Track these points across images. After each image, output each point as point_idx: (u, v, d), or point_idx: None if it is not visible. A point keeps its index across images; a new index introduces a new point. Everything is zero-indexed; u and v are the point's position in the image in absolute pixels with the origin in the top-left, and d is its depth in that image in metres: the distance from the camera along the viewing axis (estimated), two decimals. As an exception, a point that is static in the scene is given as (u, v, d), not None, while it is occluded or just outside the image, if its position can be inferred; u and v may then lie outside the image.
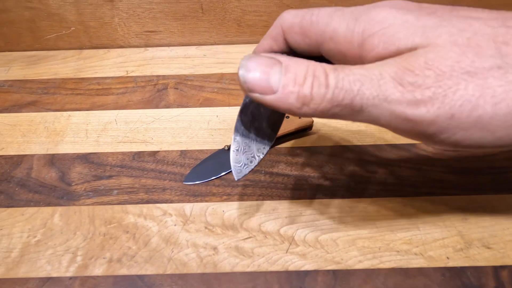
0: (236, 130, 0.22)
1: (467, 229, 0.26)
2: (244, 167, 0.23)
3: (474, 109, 0.15)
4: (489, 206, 0.27)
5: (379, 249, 0.25)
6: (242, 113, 0.22)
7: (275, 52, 0.21)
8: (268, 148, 0.23)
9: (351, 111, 0.16)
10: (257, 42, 0.43)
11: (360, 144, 0.31)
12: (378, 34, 0.17)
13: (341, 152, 0.31)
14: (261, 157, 0.23)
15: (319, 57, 0.20)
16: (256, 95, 0.17)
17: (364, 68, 0.16)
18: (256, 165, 0.23)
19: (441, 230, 0.26)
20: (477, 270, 0.24)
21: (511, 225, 0.26)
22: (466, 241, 0.25)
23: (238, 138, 0.23)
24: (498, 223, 0.26)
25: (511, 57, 0.15)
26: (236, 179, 0.23)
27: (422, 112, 0.16)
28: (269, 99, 0.17)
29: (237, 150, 0.23)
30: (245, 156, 0.23)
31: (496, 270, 0.24)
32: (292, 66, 0.17)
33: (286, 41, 0.20)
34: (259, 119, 0.23)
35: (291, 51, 0.21)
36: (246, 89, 0.17)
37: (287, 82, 0.17)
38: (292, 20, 0.19)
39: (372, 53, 0.17)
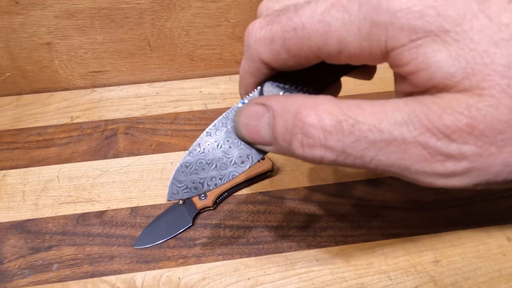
0: (201, 139, 0.17)
1: (439, 273, 0.24)
2: (183, 191, 0.17)
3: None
4: (459, 244, 0.26)
5: (350, 307, 0.23)
6: (218, 125, 0.17)
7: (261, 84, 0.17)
8: (222, 183, 0.17)
9: (363, 168, 0.14)
10: (212, 75, 0.41)
11: (323, 183, 0.30)
12: (407, 49, 0.12)
13: (305, 194, 0.29)
14: (210, 189, 0.17)
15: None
16: (259, 147, 0.16)
17: (379, 125, 0.12)
18: (198, 195, 0.18)
19: (413, 277, 0.24)
20: (453, 321, 0.22)
21: (481, 264, 0.25)
22: (439, 288, 0.24)
23: (196, 151, 0.17)
24: (470, 263, 0.25)
25: None
26: (167, 199, 0.18)
27: (452, 182, 0.13)
28: (270, 149, 0.16)
29: (187, 166, 0.17)
30: (191, 178, 0.17)
31: (472, 319, 0.23)
32: (279, 115, 0.15)
33: (271, 69, 0.16)
34: (233, 143, 0.17)
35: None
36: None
37: (277, 137, 0.15)
38: (270, 49, 0.15)
39: (399, 69, 0.13)
